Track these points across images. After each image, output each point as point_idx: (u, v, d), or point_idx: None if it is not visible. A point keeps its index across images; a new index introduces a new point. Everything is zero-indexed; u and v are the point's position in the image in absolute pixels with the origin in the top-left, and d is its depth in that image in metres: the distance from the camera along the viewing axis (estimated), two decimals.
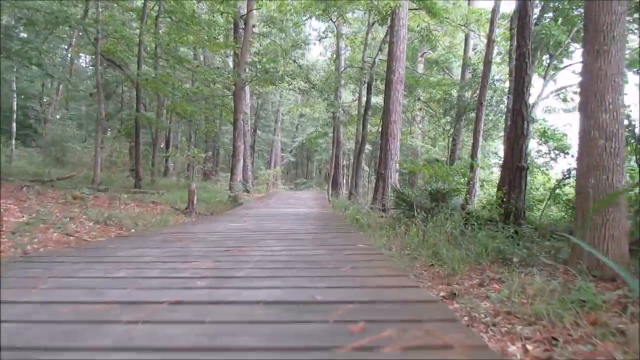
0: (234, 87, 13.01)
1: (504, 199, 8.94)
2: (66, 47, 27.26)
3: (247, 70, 12.68)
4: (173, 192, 13.27)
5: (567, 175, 9.31)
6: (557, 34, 10.92)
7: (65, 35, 26.08)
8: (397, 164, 14.29)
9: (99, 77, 14.26)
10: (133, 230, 6.19)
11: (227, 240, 4.28)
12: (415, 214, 8.84)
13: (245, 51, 12.50)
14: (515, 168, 6.98)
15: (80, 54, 28.39)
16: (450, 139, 19.64)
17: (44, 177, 12.56)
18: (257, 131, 31.38)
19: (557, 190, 9.34)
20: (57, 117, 27.39)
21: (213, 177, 24.71)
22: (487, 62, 15.57)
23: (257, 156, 34.22)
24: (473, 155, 15.43)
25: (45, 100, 28.13)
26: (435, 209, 9.43)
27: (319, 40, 27.63)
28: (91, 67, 29.29)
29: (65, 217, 6.36)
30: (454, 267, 4.45)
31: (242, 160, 12.82)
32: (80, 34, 19.18)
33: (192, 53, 23.57)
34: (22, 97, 24.98)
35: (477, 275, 4.32)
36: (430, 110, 24.00)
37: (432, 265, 4.89)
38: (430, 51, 26.23)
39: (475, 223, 6.60)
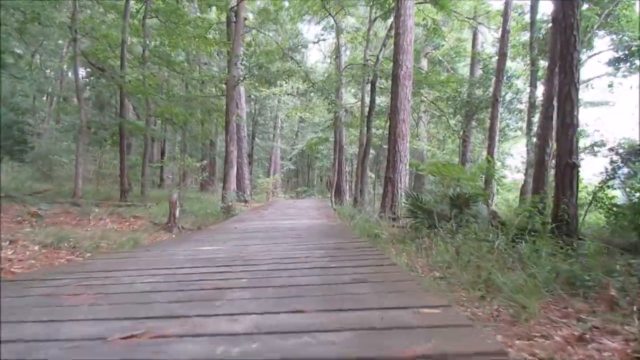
0: (225, 85, 11.74)
1: (539, 205, 7.65)
2: (59, 60, 26.54)
3: (239, 64, 11.37)
4: (162, 205, 11.95)
5: (612, 175, 8.02)
6: (589, 15, 9.63)
7: (60, 49, 25.22)
8: (408, 167, 12.99)
9: (79, 80, 13.06)
10: (89, 255, 4.88)
11: (158, 295, 2.20)
12: (437, 223, 7.55)
13: (237, 46, 11.25)
14: (565, 166, 5.67)
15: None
16: (461, 141, 18.37)
17: (15, 193, 11.31)
18: (256, 138, 30.11)
19: (599, 193, 8.04)
20: (54, 130, 26.26)
21: (210, 188, 23.38)
22: (502, 55, 14.36)
23: (257, 165, 32.90)
24: (489, 155, 14.15)
25: (42, 114, 27.08)
26: (459, 216, 8.13)
27: (317, 41, 26.49)
28: (85, 79, 28.27)
29: (6, 240, 5.04)
30: (519, 300, 3.13)
31: (235, 167, 11.51)
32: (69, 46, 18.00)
33: (186, 62, 22.38)
34: (19, 112, 23.97)
35: (559, 315, 2.98)
36: (437, 112, 22.77)
37: (482, 296, 3.56)
38: (433, 50, 25.05)
39: (529, 236, 5.25)
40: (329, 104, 15.38)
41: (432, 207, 8.17)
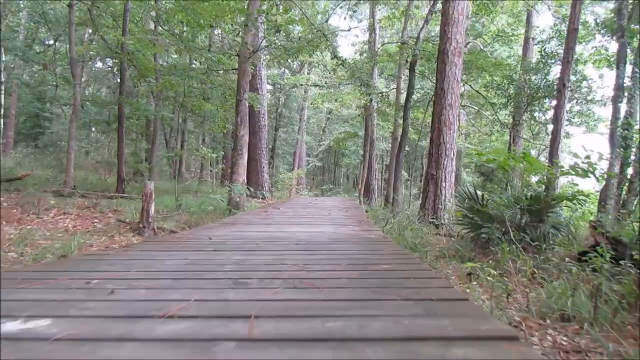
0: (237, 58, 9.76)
1: None
2: (81, 45, 25.49)
3: (250, 27, 9.28)
4: (162, 198, 10.14)
5: None
6: None
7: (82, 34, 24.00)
8: (454, 162, 10.76)
9: (73, 52, 11.35)
10: None
11: None
12: (512, 236, 5.39)
13: (252, 8, 9.28)
14: None
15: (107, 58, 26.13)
16: (511, 137, 15.89)
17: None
18: (279, 131, 28.17)
19: None
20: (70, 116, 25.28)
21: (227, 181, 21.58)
22: (572, 30, 11.75)
23: (281, 160, 30.99)
24: (552, 154, 11.74)
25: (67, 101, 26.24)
26: (537, 227, 5.90)
27: (349, 29, 24.34)
28: (108, 67, 27.07)
29: None
30: None
31: (245, 156, 9.51)
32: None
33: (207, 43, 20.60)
34: (45, 101, 23.27)
35: None
36: (477, 106, 20.27)
37: None
38: (474, 40, 22.45)
39: None
40: (360, 85, 13.15)
41: (500, 212, 5.96)
